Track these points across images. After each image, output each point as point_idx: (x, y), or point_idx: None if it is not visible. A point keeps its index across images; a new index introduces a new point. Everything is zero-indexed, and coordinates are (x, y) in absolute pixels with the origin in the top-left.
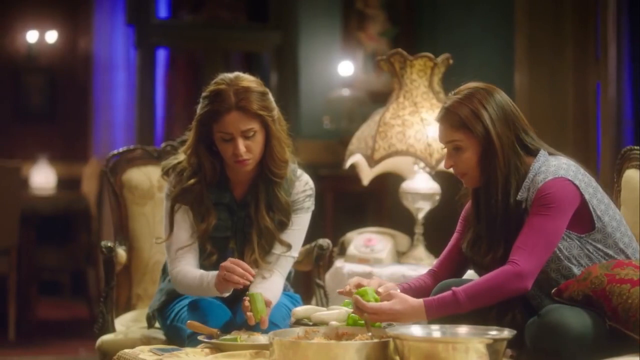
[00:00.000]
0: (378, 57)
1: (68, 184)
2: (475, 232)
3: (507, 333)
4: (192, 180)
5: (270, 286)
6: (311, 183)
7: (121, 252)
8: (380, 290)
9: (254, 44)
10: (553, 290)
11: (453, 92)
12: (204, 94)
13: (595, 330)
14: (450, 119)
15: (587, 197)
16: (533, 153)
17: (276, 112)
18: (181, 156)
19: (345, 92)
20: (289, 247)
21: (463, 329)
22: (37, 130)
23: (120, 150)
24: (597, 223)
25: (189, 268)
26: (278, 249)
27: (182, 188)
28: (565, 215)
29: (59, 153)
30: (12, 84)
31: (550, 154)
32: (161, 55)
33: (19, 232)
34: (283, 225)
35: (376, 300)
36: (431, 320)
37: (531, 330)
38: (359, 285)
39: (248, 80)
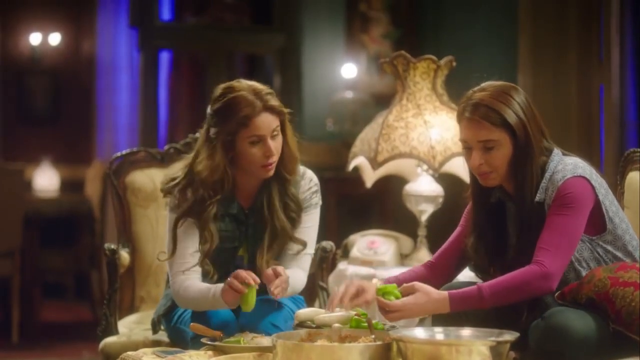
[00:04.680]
0: (381, 60)
1: (71, 186)
2: (484, 237)
3: (510, 336)
4: (202, 195)
5: (294, 275)
6: (315, 179)
7: (124, 255)
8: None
9: (258, 46)
10: (556, 294)
11: (477, 89)
12: (218, 106)
13: (599, 333)
14: (491, 117)
15: (600, 197)
16: (547, 152)
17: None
18: (178, 173)
19: (349, 94)
20: (304, 244)
21: (466, 332)
22: (40, 133)
23: (124, 152)
24: (609, 224)
25: (192, 282)
26: (294, 248)
27: (188, 204)
28: (585, 214)
29: (63, 155)
30: (15, 87)
31: (563, 153)
32: (164, 57)
33: (22, 235)
34: (293, 222)
35: (398, 298)
36: (435, 323)
37: (535, 333)
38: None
39: (256, 83)
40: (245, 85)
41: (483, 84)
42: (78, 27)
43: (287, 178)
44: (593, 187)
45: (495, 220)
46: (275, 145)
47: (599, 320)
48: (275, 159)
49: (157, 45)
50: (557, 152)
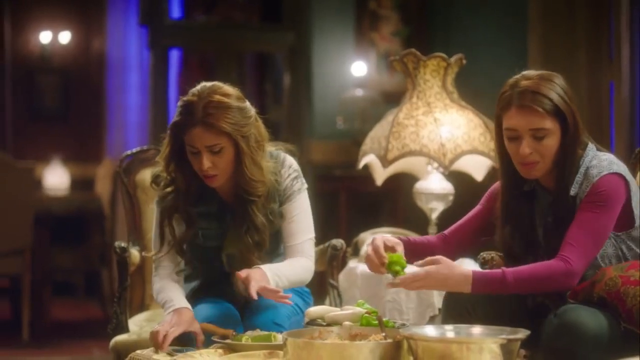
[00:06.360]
0: (391, 58)
1: (82, 184)
2: (520, 226)
3: (520, 333)
4: (169, 189)
5: (293, 264)
6: (295, 165)
7: (135, 253)
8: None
9: (268, 44)
10: (568, 293)
11: (520, 77)
12: (178, 103)
13: (610, 331)
14: (543, 103)
15: (632, 194)
16: (583, 145)
17: (250, 127)
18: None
19: (359, 92)
20: (300, 233)
21: (477, 329)
22: (50, 131)
23: (134, 150)
24: (637, 221)
25: (163, 283)
26: (292, 240)
27: (162, 198)
28: (615, 212)
29: (73, 154)
30: (25, 85)
31: (597, 148)
32: (174, 56)
33: (33, 233)
34: (275, 216)
35: (404, 267)
36: (445, 320)
37: (547, 330)
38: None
39: (223, 93)
40: (208, 92)
41: (524, 72)
42: (88, 25)
43: (249, 199)
44: (627, 184)
45: (527, 209)
46: (218, 160)
47: (611, 318)
48: (214, 172)
49: (166, 44)
50: (591, 146)
